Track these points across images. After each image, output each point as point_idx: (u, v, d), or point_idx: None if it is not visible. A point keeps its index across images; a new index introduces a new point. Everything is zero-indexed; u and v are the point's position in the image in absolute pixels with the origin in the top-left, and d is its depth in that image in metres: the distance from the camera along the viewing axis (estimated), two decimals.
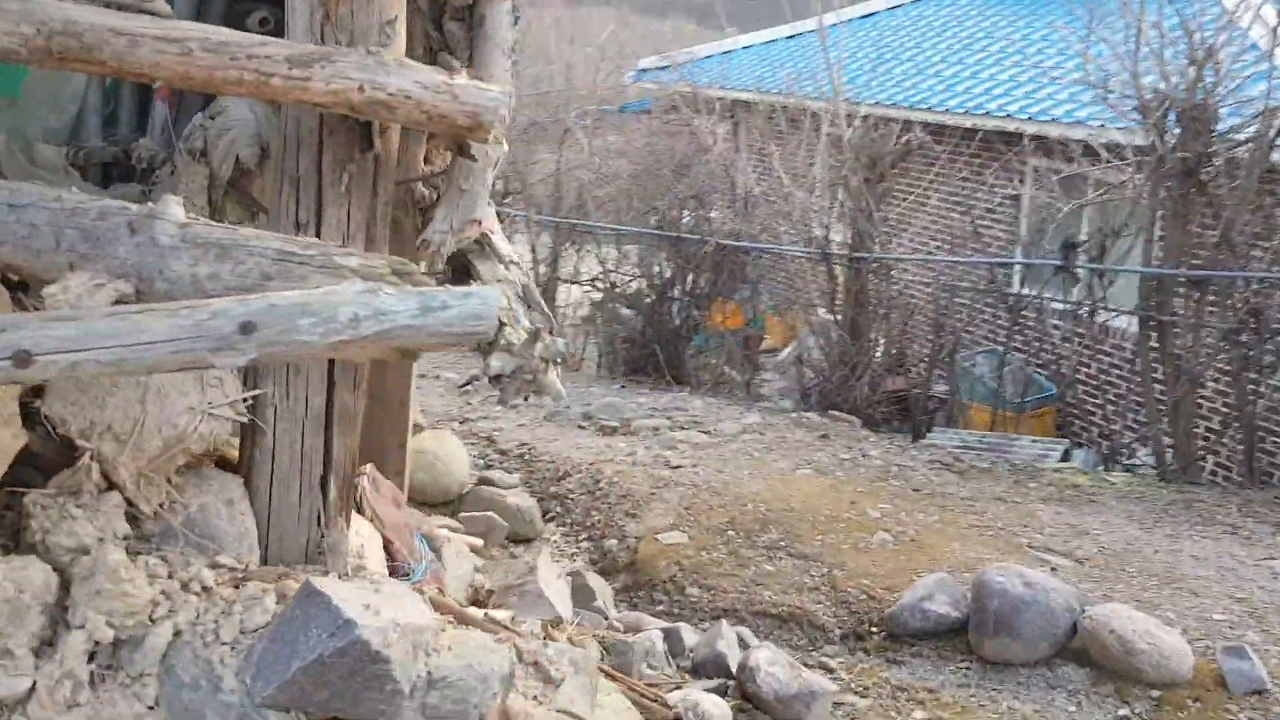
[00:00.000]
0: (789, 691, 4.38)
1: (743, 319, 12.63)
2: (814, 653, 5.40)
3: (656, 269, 11.64)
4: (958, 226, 10.81)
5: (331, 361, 2.75)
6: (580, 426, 9.09)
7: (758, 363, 13.48)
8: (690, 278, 11.61)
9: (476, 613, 3.03)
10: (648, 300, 11.68)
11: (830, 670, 5.16)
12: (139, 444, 2.51)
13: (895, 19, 18.49)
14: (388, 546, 3.30)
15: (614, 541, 6.55)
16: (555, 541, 6.91)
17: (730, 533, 6.43)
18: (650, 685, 4.27)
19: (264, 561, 2.80)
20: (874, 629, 5.53)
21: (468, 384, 10.78)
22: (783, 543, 6.30)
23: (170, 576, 2.53)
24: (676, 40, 20.88)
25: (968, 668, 5.21)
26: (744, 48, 19.15)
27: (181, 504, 2.66)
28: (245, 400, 2.69)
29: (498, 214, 11.74)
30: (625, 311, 12.03)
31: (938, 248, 11.64)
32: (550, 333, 2.69)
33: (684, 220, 11.64)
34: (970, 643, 5.27)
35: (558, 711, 2.77)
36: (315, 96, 2.57)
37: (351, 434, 2.82)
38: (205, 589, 2.55)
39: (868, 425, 9.40)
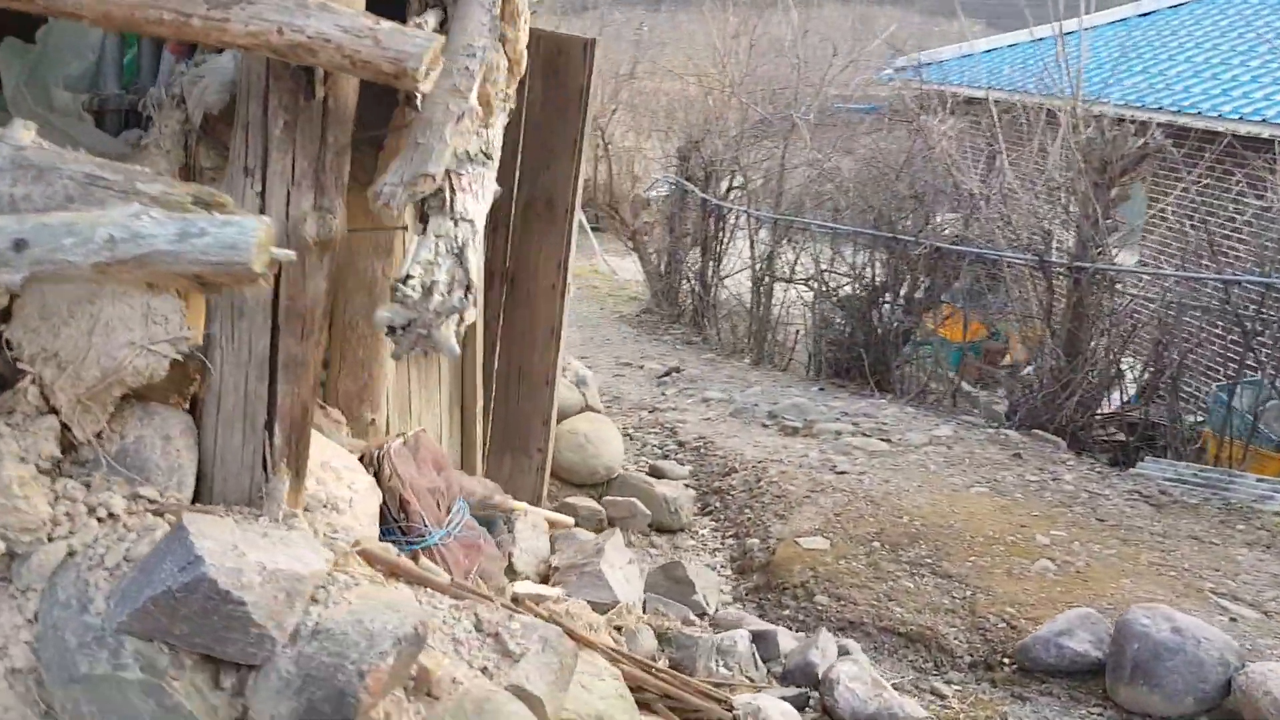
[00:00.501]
0: (866, 710, 4.12)
1: (967, 330, 12.01)
2: (932, 677, 5.07)
3: (869, 270, 11.26)
4: (1194, 239, 9.81)
5: (275, 306, 2.80)
6: (764, 425, 8.94)
7: (996, 377, 12.79)
8: (905, 282, 11.16)
9: (432, 573, 3.00)
10: (858, 302, 11.32)
11: (942, 697, 4.83)
12: (78, 373, 2.66)
13: (1177, 17, 17.21)
14: (406, 507, 3.35)
15: (756, 540, 6.40)
16: (703, 535, 6.83)
17: (875, 544, 6.14)
18: (719, 685, 4.14)
19: (208, 500, 2.90)
20: (1005, 660, 5.14)
21: (665, 375, 10.83)
22: (929, 560, 5.96)
23: (83, 500, 2.67)
24: (954, 40, 20.11)
25: (1100, 714, 4.76)
26: (1008, 46, 18.33)
27: (119, 434, 2.80)
28: (187, 339, 2.79)
29: (718, 209, 11.53)
30: (836, 312, 11.72)
31: (1171, 261, 10.65)
32: (468, 291, 2.62)
33: (906, 222, 11.18)
34: (1107, 687, 4.81)
35: (507, 687, 2.71)
36: (235, 39, 2.59)
37: (301, 383, 2.86)
38: (111, 515, 2.67)
39: (1074, 448, 8.72)
